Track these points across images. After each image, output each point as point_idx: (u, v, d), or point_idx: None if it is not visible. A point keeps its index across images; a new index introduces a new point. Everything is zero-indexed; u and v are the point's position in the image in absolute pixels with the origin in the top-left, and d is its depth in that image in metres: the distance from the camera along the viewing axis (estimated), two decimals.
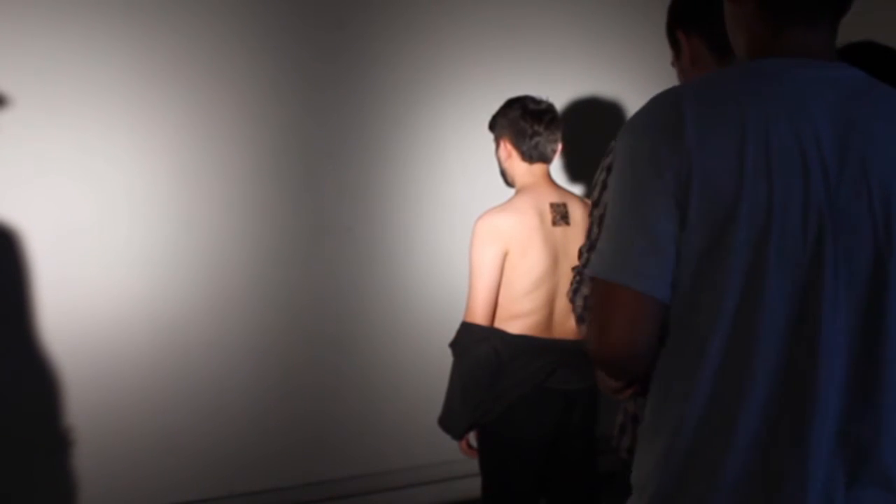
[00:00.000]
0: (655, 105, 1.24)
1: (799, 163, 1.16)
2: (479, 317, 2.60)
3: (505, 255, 2.61)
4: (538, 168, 2.70)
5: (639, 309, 1.19)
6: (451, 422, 2.66)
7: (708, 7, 1.71)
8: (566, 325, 2.64)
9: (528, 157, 2.69)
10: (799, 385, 1.16)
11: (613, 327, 1.20)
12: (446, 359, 2.69)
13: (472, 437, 2.75)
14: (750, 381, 1.16)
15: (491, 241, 2.61)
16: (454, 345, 2.65)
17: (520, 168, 2.71)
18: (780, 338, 1.16)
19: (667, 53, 1.86)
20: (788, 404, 1.16)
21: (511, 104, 2.74)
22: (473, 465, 2.78)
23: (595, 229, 1.88)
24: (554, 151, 2.71)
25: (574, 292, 1.90)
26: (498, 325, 2.63)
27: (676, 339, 1.22)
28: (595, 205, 1.91)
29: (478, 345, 2.60)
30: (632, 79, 3.75)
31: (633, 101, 3.77)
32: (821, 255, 1.16)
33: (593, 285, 1.25)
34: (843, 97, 1.20)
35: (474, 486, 2.82)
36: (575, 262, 2.20)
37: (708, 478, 1.18)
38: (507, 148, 2.72)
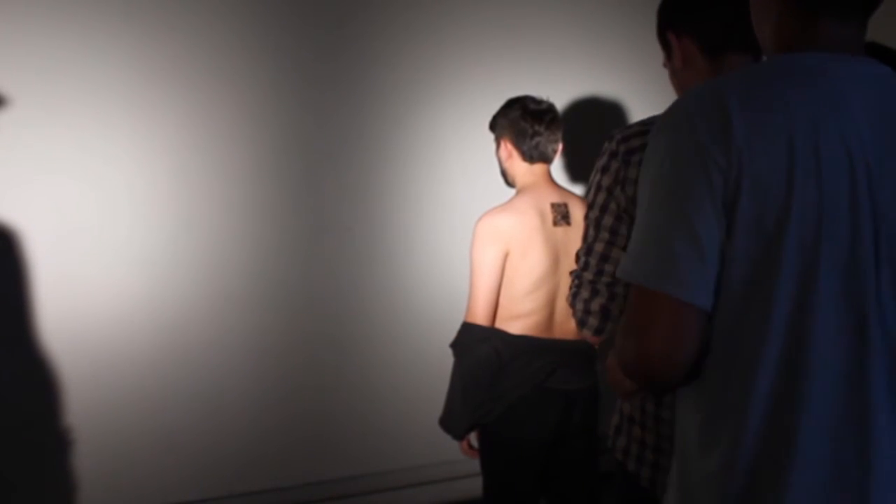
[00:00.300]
0: (697, 101, 1.17)
1: (846, 164, 1.12)
2: (480, 317, 2.60)
3: (506, 256, 2.61)
4: (539, 168, 2.70)
5: (681, 319, 1.12)
6: (452, 422, 2.66)
7: (697, 7, 1.71)
8: (567, 326, 2.64)
9: (529, 157, 2.69)
10: (855, 387, 1.13)
11: (653, 338, 1.13)
12: (446, 359, 2.69)
13: (472, 438, 2.75)
14: (808, 383, 1.12)
15: (491, 242, 2.61)
16: (455, 345, 2.65)
17: (520, 168, 2.71)
18: (834, 343, 1.12)
19: None
20: (848, 407, 1.13)
21: (511, 104, 2.74)
22: (474, 465, 2.78)
23: (591, 232, 1.83)
24: (555, 151, 2.71)
25: (573, 297, 1.86)
26: (499, 325, 2.63)
27: (725, 349, 1.16)
28: (590, 207, 1.86)
29: (478, 345, 2.60)
30: (632, 79, 3.75)
31: (633, 101, 3.77)
32: (867, 258, 1.13)
33: (630, 291, 1.18)
34: (878, 95, 1.17)
35: (475, 486, 2.83)
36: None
37: (775, 491, 1.13)
38: (507, 148, 2.72)
